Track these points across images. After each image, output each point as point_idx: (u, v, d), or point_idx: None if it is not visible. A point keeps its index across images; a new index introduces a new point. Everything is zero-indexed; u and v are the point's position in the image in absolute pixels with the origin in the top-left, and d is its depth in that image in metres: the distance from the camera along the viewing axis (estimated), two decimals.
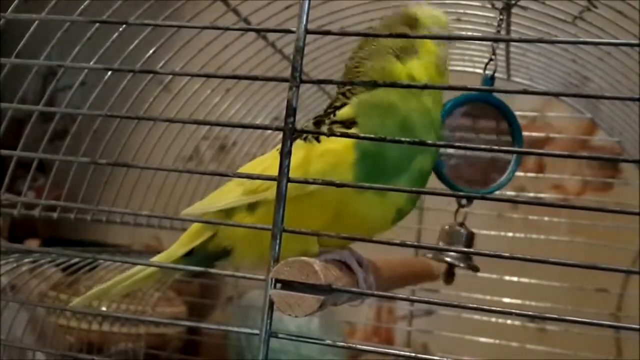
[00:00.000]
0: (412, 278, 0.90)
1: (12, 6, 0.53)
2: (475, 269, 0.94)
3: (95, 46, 0.78)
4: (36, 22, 0.56)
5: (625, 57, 0.86)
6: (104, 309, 1.17)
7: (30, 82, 0.79)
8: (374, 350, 0.44)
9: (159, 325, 1.31)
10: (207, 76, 0.48)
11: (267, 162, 0.58)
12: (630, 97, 0.53)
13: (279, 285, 0.44)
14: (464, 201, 0.81)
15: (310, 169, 0.53)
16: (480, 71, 1.07)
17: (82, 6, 0.62)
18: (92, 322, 1.20)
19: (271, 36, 0.89)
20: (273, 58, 0.97)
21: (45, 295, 1.14)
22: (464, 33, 0.94)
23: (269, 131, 1.22)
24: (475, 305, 0.44)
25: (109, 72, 0.78)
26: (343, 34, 0.44)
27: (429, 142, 0.43)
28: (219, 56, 0.95)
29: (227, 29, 0.45)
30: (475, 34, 0.94)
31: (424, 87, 0.49)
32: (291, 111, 0.44)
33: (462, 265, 0.94)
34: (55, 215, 0.80)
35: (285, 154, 0.44)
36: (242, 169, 0.61)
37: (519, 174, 1.37)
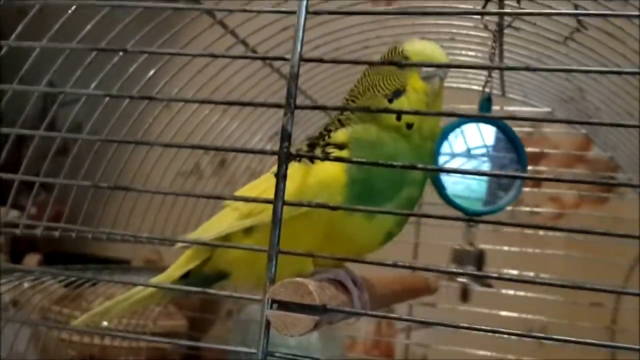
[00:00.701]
0: (408, 293, 0.92)
1: (14, 34, 0.55)
2: (488, 286, 0.95)
3: (96, 67, 0.80)
4: (37, 47, 0.57)
5: (617, 77, 0.88)
6: (105, 323, 1.18)
7: (32, 97, 0.80)
8: None
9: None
10: (204, 102, 0.49)
11: (263, 186, 0.59)
12: (631, 124, 0.53)
13: (275, 305, 0.45)
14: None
15: (304, 190, 0.55)
16: (475, 87, 1.10)
17: (83, 32, 0.64)
18: (93, 336, 1.21)
19: (272, 54, 0.90)
20: (271, 77, 0.99)
21: (48, 310, 1.15)
22: (457, 52, 0.96)
23: (268, 146, 1.24)
24: (467, 325, 0.45)
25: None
26: (337, 61, 0.45)
27: (419, 166, 0.45)
28: (217, 76, 0.96)
29: (224, 56, 0.46)
30: (469, 52, 0.96)
31: (416, 113, 0.51)
32: (286, 136, 0.46)
33: (475, 284, 0.95)
34: (56, 234, 0.82)
35: (281, 178, 0.46)
36: (238, 193, 0.62)
37: None
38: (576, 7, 0.68)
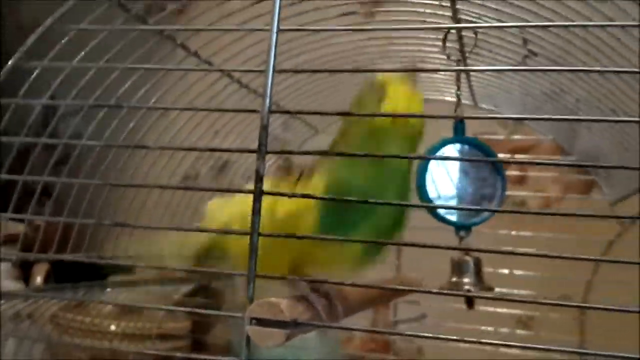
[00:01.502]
0: (389, 295, 0.98)
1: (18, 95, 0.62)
2: (490, 289, 1.04)
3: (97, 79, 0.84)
4: (38, 104, 0.64)
5: (599, 77, 0.92)
6: (113, 327, 1.26)
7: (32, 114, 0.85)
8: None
9: (165, 341, 1.39)
10: (190, 150, 0.57)
11: (235, 208, 0.66)
12: (633, 167, 0.54)
13: (254, 321, 0.54)
14: (462, 233, 0.91)
15: (279, 206, 0.60)
16: (448, 98, 1.15)
17: (78, 87, 0.70)
18: (102, 340, 1.29)
19: (253, 85, 0.96)
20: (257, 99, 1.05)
21: (62, 318, 1.22)
22: (428, 61, 1.01)
23: None
24: (445, 336, 0.52)
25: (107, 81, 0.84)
26: (302, 112, 0.53)
27: (372, 200, 0.53)
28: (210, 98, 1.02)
29: (205, 109, 0.54)
30: (443, 62, 1.02)
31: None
32: (259, 177, 0.54)
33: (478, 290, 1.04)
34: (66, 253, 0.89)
35: (255, 213, 0.54)
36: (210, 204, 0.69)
37: None
38: (525, 40, 0.75)
